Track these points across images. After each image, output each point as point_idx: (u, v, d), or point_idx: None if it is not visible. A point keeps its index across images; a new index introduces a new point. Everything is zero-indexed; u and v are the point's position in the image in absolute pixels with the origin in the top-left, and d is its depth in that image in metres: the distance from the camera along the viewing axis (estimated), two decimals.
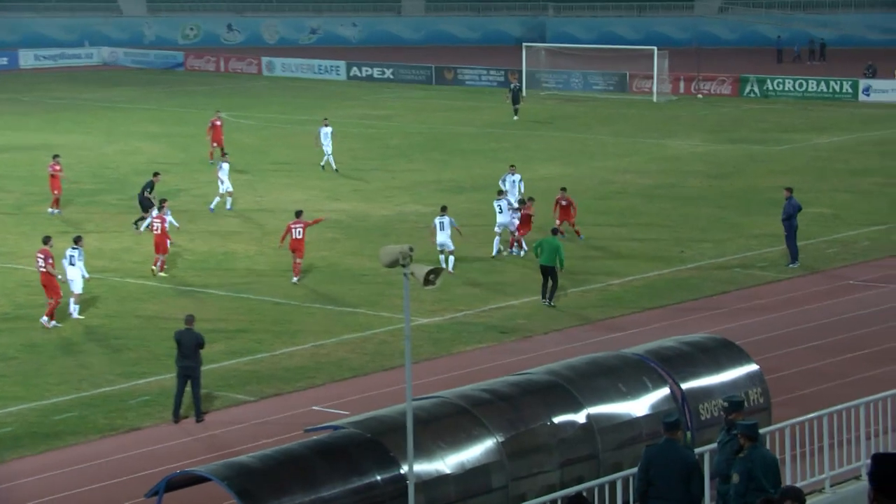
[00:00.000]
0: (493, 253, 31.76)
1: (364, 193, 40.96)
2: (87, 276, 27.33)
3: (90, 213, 37.97)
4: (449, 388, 17.43)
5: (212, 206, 37.59)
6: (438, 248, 30.56)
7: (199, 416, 21.19)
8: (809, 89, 66.29)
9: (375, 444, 15.02)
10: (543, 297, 27.87)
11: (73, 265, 26.87)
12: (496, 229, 32.07)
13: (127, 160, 47.85)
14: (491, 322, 26.77)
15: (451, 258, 30.71)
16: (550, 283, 27.83)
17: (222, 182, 37.60)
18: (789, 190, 31.68)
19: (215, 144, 46.40)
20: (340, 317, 27.08)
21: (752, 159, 47.62)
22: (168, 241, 30.73)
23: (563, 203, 32.96)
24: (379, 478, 14.72)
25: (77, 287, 26.92)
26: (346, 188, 41.93)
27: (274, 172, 45.00)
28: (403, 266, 13.50)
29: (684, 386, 17.38)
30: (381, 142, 51.77)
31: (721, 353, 18.25)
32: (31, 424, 21.00)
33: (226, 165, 38.03)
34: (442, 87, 72.80)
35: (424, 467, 14.93)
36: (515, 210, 32.21)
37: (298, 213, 30.65)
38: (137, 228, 34.63)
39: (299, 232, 29.74)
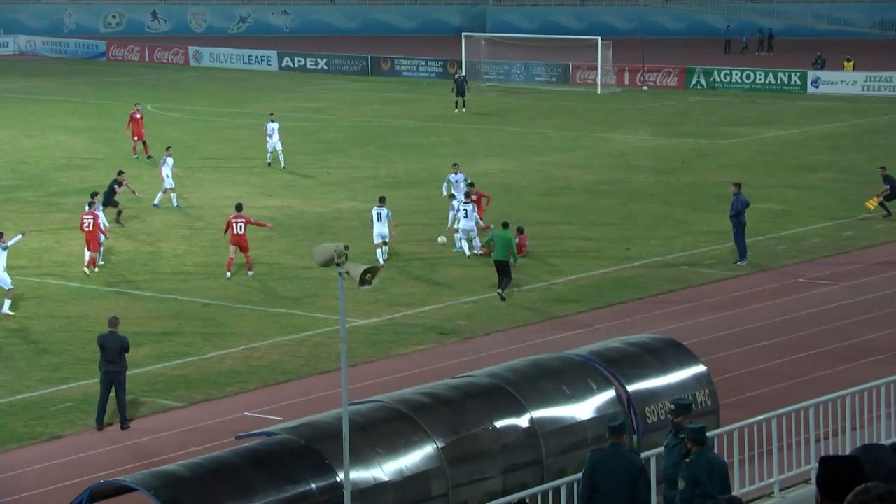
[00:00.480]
0: (467, 254, 31.77)
1: (297, 189, 40.85)
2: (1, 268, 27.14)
3: (7, 211, 37.48)
4: (387, 392, 17.50)
5: (155, 201, 37.49)
6: (375, 241, 30.99)
7: (125, 424, 21.05)
8: (757, 81, 67.00)
9: (310, 451, 15.04)
10: (499, 288, 28.35)
11: None
12: (460, 235, 32.12)
13: (46, 154, 47.39)
14: (430, 323, 26.84)
15: (385, 248, 31.26)
16: (504, 277, 28.36)
17: (167, 177, 37.20)
18: (737, 185, 32.03)
19: (136, 138, 46.05)
20: (274, 318, 27.03)
21: (699, 154, 48.07)
22: (101, 238, 30.64)
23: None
24: (314, 486, 14.72)
25: (6, 283, 26.86)
26: (279, 184, 41.77)
27: (203, 168, 44.70)
28: (338, 265, 13.55)
29: (630, 388, 17.53)
30: (315, 136, 51.66)
31: (668, 353, 18.44)
32: None
33: (170, 160, 37.72)
34: (378, 79, 72.78)
35: (361, 475, 14.96)
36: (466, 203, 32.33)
37: (239, 207, 30.76)
38: (121, 224, 34.70)
39: (240, 227, 29.91)
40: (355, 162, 45.89)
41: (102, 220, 31.08)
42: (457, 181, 35.02)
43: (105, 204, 33.41)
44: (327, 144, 49.76)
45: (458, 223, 32.19)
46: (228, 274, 29.97)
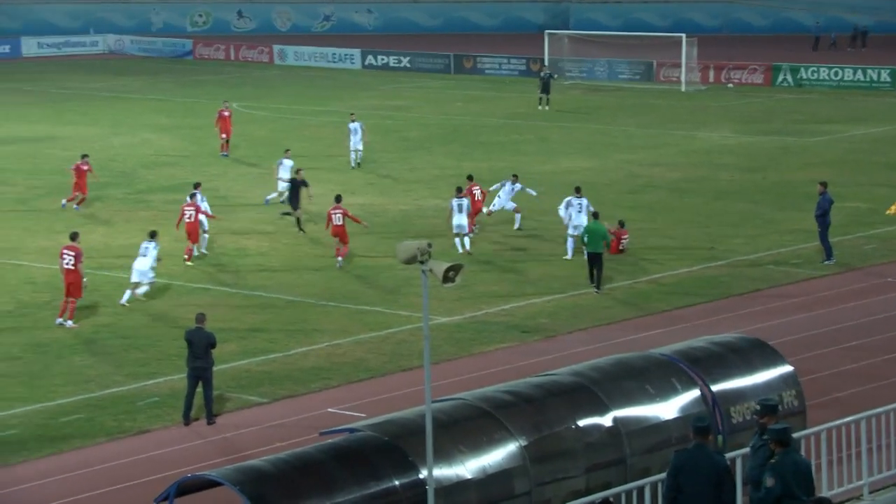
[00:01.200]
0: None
1: (380, 187, 41.03)
2: (154, 265, 28.20)
3: (96, 208, 38.05)
4: (469, 390, 17.35)
5: (268, 198, 37.65)
6: (454, 231, 31.50)
7: (211, 419, 21.29)
8: (846, 78, 66.04)
9: (393, 448, 15.06)
10: (591, 282, 28.60)
11: (144, 256, 27.95)
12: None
13: (134, 152, 48.01)
14: (513, 321, 26.79)
15: (467, 239, 31.65)
16: (596, 270, 28.61)
17: (282, 179, 37.30)
18: (823, 185, 31.60)
19: (224, 136, 46.52)
20: (357, 315, 27.12)
21: (785, 152, 47.51)
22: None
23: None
24: (397, 483, 14.75)
25: (146, 277, 27.85)
26: (362, 181, 41.97)
27: None
28: (422, 263, 13.53)
29: (715, 388, 17.35)
30: (398, 133, 51.80)
31: (753, 353, 18.22)
32: (37, 427, 21.08)
33: (287, 162, 37.74)
34: (461, 77, 72.82)
35: (444, 472, 14.94)
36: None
37: (338, 199, 31.58)
38: (295, 221, 34.44)
39: (339, 218, 30.61)
40: (438, 160, 45.97)
41: (205, 207, 31.77)
42: (511, 189, 34.56)
43: (291, 202, 33.79)
44: (410, 142, 49.92)
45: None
46: (340, 261, 30.71)
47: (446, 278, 13.65)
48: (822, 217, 31.01)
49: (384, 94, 64.57)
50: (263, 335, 25.83)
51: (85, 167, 37.35)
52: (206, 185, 41.02)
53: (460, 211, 31.68)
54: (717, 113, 57.82)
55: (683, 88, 65.68)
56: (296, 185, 34.25)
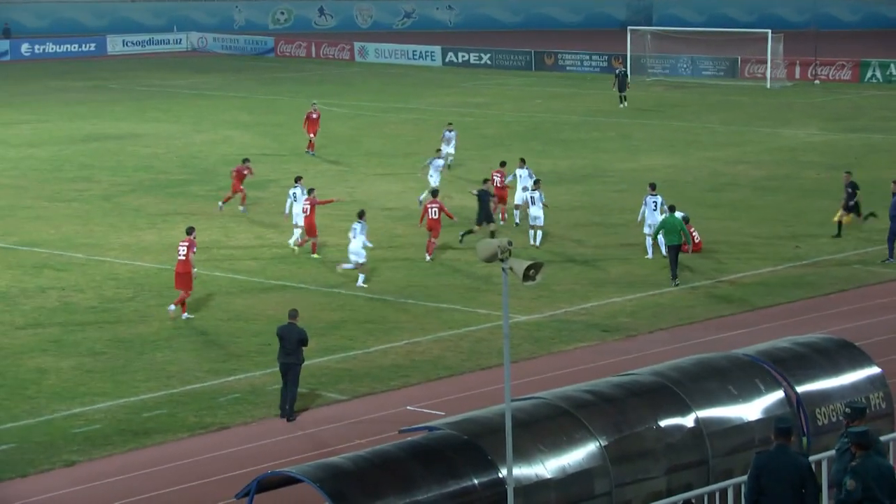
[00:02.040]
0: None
1: (459, 184, 41.02)
2: (369, 245, 29.44)
3: (178, 204, 38.52)
4: (549, 389, 17.31)
5: (420, 197, 37.45)
6: (530, 223, 32.45)
7: (292, 416, 21.46)
8: None
9: (473, 447, 15.02)
10: (674, 278, 28.85)
11: (354, 238, 29.17)
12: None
13: (216, 150, 48.49)
14: (593, 320, 26.75)
15: (540, 233, 32.15)
16: (671, 262, 29.03)
17: (431, 177, 37.52)
18: None
19: (312, 135, 46.72)
20: (436, 313, 27.21)
21: (873, 149, 46.82)
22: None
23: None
24: (476, 482, 14.74)
25: (360, 256, 29.06)
26: (443, 179, 42.01)
27: (366, 163, 45.25)
28: (502, 261, 13.54)
29: (800, 389, 17.12)
30: (477, 131, 51.83)
31: (839, 354, 17.96)
32: (120, 422, 21.37)
33: (439, 162, 38.01)
34: (542, 74, 72.71)
35: (524, 471, 14.88)
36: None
37: (434, 193, 32.31)
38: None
39: (435, 212, 31.33)
40: (518, 157, 45.80)
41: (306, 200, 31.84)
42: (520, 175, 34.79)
43: (480, 214, 32.65)
44: (489, 140, 49.92)
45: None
46: (429, 258, 31.17)
47: (527, 276, 13.66)
48: None
49: (464, 92, 64.65)
50: (342, 332, 25.94)
51: (246, 171, 37.05)
52: (285, 182, 41.38)
53: (533, 203, 32.30)
54: (802, 110, 57.14)
55: (769, 85, 65.01)
56: (485, 197, 32.72)
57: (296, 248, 32.17)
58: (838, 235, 33.03)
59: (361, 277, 29.14)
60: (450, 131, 43.96)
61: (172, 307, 26.77)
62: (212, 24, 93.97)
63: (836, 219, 33.50)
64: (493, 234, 31.67)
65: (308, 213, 31.56)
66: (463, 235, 32.42)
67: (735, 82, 66.97)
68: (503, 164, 35.90)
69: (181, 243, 27.08)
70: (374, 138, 51.00)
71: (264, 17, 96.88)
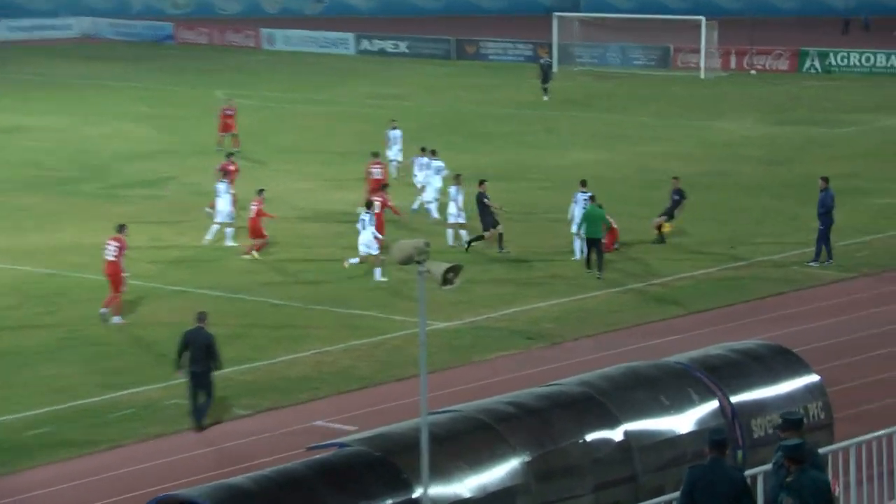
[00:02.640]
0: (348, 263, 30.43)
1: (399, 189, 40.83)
2: (379, 236, 29.73)
3: (68, 204, 37.98)
4: (468, 402, 17.31)
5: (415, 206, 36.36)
6: (449, 221, 32.74)
7: (200, 427, 21.18)
8: (878, 64, 66.01)
9: (386, 465, 14.93)
10: (588, 268, 29.69)
11: (364, 229, 29.82)
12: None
13: (110, 144, 47.91)
14: (515, 326, 26.72)
15: (463, 232, 32.47)
16: (595, 255, 29.79)
17: (416, 176, 37.14)
18: (825, 180, 31.40)
19: (225, 133, 46.20)
20: (348, 320, 27.06)
21: (812, 143, 47.46)
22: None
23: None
24: (390, 502, 14.62)
25: (373, 248, 29.56)
26: (353, 176, 41.80)
27: (275, 159, 45.03)
28: (418, 263, 13.54)
29: (734, 399, 17.17)
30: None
31: (777, 361, 18.05)
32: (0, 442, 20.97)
33: (423, 159, 37.17)
34: (463, 63, 72.84)
35: (441, 490, 14.80)
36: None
37: (385, 188, 33.07)
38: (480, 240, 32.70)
39: (253, 211, 31.99)
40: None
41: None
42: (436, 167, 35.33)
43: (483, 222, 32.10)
44: (406, 134, 49.71)
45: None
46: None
47: (445, 280, 13.66)
48: (826, 215, 30.71)
49: (379, 82, 64.58)
50: (246, 342, 25.66)
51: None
52: (185, 179, 41.09)
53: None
54: (738, 101, 57.78)
55: (703, 75, 65.65)
56: (480, 201, 32.00)
57: (249, 255, 31.75)
58: (661, 242, 32.93)
59: (378, 271, 29.32)
60: (394, 129, 42.47)
61: (111, 316, 26.74)
62: (106, 9, 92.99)
63: (654, 225, 33.26)
64: (501, 237, 32.01)
65: (253, 214, 31.85)
66: (469, 243, 32.35)
67: (667, 72, 67.56)
68: (376, 154, 36.63)
69: (110, 241, 27.04)
70: (283, 132, 50.75)
71: (163, 2, 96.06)
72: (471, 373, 23.91)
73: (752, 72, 67.13)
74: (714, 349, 18.67)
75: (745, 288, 29.28)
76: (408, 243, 13.84)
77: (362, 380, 23.76)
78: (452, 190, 32.83)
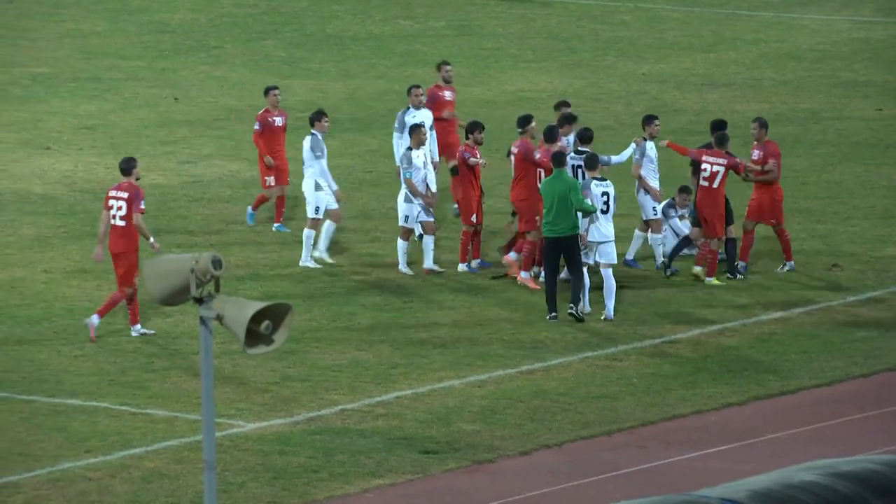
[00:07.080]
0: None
1: None
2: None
3: None
4: None
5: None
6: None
7: None
8: None
9: None
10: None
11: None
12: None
13: None
14: (396, 428, 27.29)
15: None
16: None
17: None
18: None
19: None
20: (53, 418, 27.64)
21: None
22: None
23: None
24: None
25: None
26: None
27: None
28: (199, 302, 14.35)
29: None
30: None
31: None
32: None
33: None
34: None
35: None
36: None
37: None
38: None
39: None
40: None
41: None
42: None
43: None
44: None
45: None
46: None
47: (253, 337, 14.09)
48: None
49: None
50: None
51: None
52: None
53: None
54: None
55: None
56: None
57: None
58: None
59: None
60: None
61: (137, 328, 30.06)
62: None
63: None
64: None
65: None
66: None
67: None
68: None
69: (114, 192, 29.86)
70: None
71: None
72: None
73: None
74: (803, 471, 18.05)
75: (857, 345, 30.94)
76: (175, 261, 14.48)
77: None
78: None
